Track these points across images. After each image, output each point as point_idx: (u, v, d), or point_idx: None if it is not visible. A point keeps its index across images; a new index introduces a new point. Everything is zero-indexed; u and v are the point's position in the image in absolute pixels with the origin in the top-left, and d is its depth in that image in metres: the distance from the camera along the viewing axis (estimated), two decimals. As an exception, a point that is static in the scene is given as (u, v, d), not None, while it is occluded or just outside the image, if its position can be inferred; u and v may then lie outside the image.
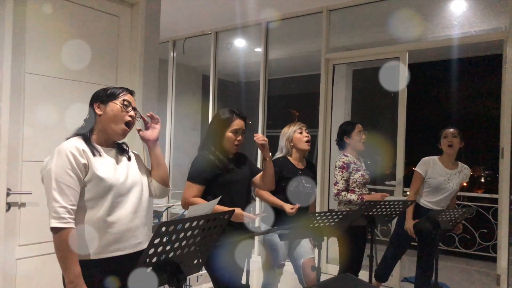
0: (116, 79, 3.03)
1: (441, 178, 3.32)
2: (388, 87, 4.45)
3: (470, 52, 5.38)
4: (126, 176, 1.76)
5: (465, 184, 4.30)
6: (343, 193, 3.17)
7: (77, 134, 1.76)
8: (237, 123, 2.46)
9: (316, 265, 2.41)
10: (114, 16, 3.02)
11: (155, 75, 3.22)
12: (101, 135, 1.77)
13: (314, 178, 3.14)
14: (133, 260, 1.72)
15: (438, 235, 2.88)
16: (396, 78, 4.25)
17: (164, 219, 5.41)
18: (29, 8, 2.55)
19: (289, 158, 3.05)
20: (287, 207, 2.83)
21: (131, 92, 1.85)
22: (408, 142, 4.10)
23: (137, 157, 1.94)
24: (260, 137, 2.47)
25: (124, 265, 1.67)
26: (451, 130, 3.37)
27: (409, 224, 3.21)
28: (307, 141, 3.04)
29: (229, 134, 2.44)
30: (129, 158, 1.85)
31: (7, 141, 2.44)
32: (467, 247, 5.07)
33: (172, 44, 6.02)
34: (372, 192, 3.37)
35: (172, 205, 5.24)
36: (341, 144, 3.39)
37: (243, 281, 2.39)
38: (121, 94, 1.78)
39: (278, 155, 3.07)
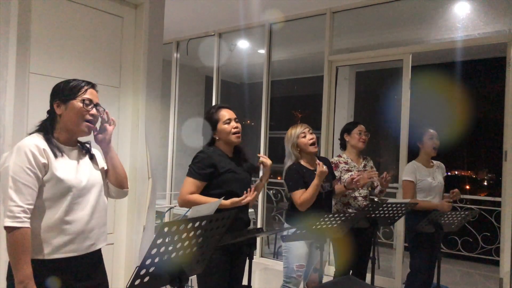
0: (119, 79, 3.04)
1: (429, 178, 3.31)
2: (391, 89, 4.44)
3: (474, 54, 5.38)
4: (87, 176, 1.71)
5: (468, 187, 4.29)
6: None
7: (38, 130, 1.70)
8: (225, 114, 2.44)
9: (318, 267, 2.40)
10: (118, 17, 3.04)
11: (159, 76, 3.23)
12: (63, 134, 1.71)
13: (331, 173, 3.06)
14: (84, 262, 1.69)
15: (440, 238, 2.88)
16: (399, 80, 4.25)
17: (166, 219, 5.42)
18: (33, 8, 2.57)
19: (301, 163, 2.93)
20: (320, 168, 2.71)
21: (93, 86, 1.75)
22: (410, 145, 4.09)
23: (99, 155, 1.88)
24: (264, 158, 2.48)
25: (75, 266, 1.65)
26: (435, 132, 3.38)
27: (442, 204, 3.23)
28: (312, 144, 2.92)
29: (222, 126, 2.42)
30: (91, 157, 1.80)
31: (11, 141, 2.44)
32: (469, 250, 5.05)
33: (175, 45, 6.04)
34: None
35: (175, 206, 5.25)
36: (342, 143, 3.39)
37: (245, 282, 2.37)
38: (81, 92, 1.69)
39: (289, 162, 2.96)
